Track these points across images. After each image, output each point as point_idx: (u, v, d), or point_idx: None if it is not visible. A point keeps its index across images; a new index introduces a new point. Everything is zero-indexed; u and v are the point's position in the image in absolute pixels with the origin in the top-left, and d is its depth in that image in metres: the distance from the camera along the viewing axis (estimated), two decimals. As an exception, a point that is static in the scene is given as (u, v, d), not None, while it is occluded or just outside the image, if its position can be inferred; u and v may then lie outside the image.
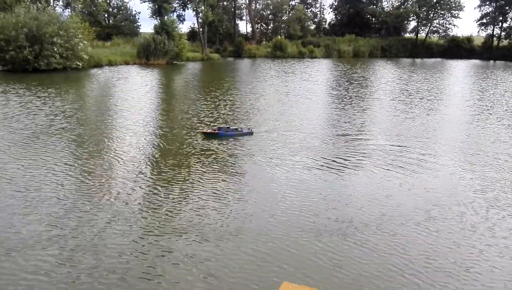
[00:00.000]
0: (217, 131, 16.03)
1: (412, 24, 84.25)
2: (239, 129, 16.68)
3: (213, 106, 23.70)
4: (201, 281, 7.12)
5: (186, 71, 44.83)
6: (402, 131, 18.61)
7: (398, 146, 16.04)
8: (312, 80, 38.29)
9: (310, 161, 13.97)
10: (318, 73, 45.23)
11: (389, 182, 12.17)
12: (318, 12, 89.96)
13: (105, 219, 9.25)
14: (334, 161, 14.03)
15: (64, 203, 10.00)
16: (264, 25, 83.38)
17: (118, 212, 9.64)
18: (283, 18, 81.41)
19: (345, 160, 14.16)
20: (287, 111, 22.84)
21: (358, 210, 10.15)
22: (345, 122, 20.19)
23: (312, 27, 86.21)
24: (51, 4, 50.31)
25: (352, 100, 26.89)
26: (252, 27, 78.41)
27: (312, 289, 6.64)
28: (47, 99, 24.19)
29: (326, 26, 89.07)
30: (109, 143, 15.58)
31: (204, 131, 16.23)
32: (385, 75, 44.80)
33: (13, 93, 25.61)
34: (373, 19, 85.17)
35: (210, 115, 21.14)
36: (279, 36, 73.21)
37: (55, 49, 36.53)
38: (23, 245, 8.04)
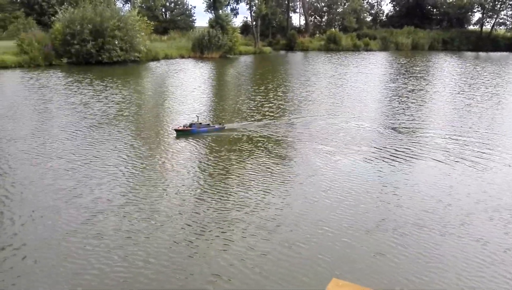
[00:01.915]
0: (189, 128, 15.20)
1: (477, 15, 79.22)
2: (211, 125, 15.90)
3: (266, 97, 23.64)
4: (249, 271, 7.03)
5: (238, 64, 45.16)
6: (466, 124, 17.49)
7: (462, 139, 15.07)
8: (367, 73, 37.11)
9: (367, 152, 13.51)
10: (374, 66, 43.76)
11: (450, 176, 11.49)
12: (375, 4, 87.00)
13: (166, 193, 9.76)
14: (392, 152, 13.45)
15: (132, 177, 10.86)
16: (318, 17, 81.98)
17: (175, 189, 9.95)
18: (338, 10, 79.56)
19: (404, 152, 13.53)
20: (342, 103, 22.30)
21: (416, 204, 9.64)
22: (404, 114, 19.31)
23: (369, 19, 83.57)
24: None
25: (411, 93, 25.69)
26: (306, 19, 77.33)
27: (363, 288, 6.28)
28: (114, 89, 25.40)
29: (383, 17, 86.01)
30: (168, 127, 16.30)
31: (176, 128, 15.33)
32: (447, 69, 42.44)
33: (83, 83, 27.14)
34: (434, 10, 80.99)
35: (265, 105, 21.09)
36: (333, 29, 71.69)
37: (116, 42, 38.16)
38: (104, 208, 9.14)
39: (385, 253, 7.60)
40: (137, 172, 11.51)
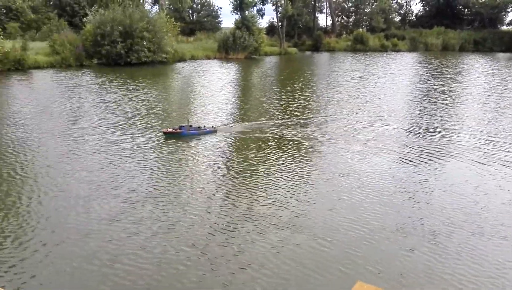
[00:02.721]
0: (178, 130, 14.70)
1: (511, 15, 76.47)
2: (202, 127, 15.30)
3: (291, 97, 23.48)
4: (271, 273, 6.86)
5: (264, 65, 45.14)
6: (498, 126, 16.85)
7: (495, 141, 14.55)
8: (396, 74, 36.41)
9: (397, 152, 13.22)
10: (403, 67, 42.88)
11: (482, 177, 11.11)
12: (404, 3, 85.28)
13: (198, 188, 9.75)
14: (423, 152, 13.08)
15: (163, 172, 10.93)
16: (345, 17, 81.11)
17: (207, 185, 9.98)
18: (365, 10, 78.44)
19: (435, 152, 13.15)
20: (370, 103, 21.89)
21: (448, 205, 9.32)
22: (435, 115, 18.76)
23: (397, 19, 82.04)
24: (141, 1, 53.59)
25: (442, 94, 24.99)
26: (332, 19, 76.59)
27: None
28: (144, 88, 25.84)
29: (412, 18, 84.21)
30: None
31: (164, 130, 14.83)
32: (479, 70, 41.13)
33: (114, 83, 27.83)
34: (466, 10, 78.69)
35: (288, 105, 20.95)
36: (361, 29, 70.71)
37: (144, 43, 38.76)
38: (139, 199, 9.34)
39: (414, 255, 7.35)
40: (168, 167, 11.76)
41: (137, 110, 19.53)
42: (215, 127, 15.63)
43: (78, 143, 14.03)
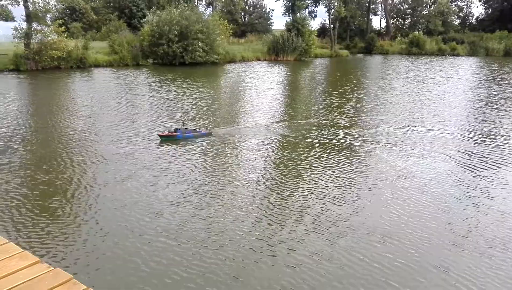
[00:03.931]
0: (174, 133, 14.33)
1: None
2: (198, 130, 14.95)
3: (342, 100, 23.18)
4: (329, 264, 6.81)
5: (313, 68, 44.78)
6: None
7: None
8: (455, 78, 34.84)
9: (452, 157, 12.64)
10: (462, 72, 40.94)
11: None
12: (465, 6, 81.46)
13: (249, 184, 9.91)
14: (479, 159, 12.44)
15: (216, 166, 11.16)
16: (400, 20, 78.76)
17: (255, 181, 10.13)
18: (422, 12, 75.72)
19: (494, 159, 12.45)
20: (425, 107, 21.14)
21: (509, 212, 8.78)
22: (495, 122, 17.75)
23: (456, 22, 78.48)
24: (195, 4, 55.07)
25: (506, 101, 23.59)
26: (387, 22, 74.65)
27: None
28: (199, 87, 26.68)
29: (472, 21, 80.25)
30: (239, 123, 16.64)
31: (160, 134, 14.48)
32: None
33: (169, 81, 28.98)
34: (533, 12, 73.73)
35: (339, 106, 20.73)
36: (417, 32, 68.30)
37: (200, 44, 39.73)
38: (194, 187, 9.15)
39: (471, 271, 6.77)
40: (224, 160, 12.08)
41: (193, 106, 20.20)
42: (209, 130, 15.45)
43: (142, 134, 14.91)
